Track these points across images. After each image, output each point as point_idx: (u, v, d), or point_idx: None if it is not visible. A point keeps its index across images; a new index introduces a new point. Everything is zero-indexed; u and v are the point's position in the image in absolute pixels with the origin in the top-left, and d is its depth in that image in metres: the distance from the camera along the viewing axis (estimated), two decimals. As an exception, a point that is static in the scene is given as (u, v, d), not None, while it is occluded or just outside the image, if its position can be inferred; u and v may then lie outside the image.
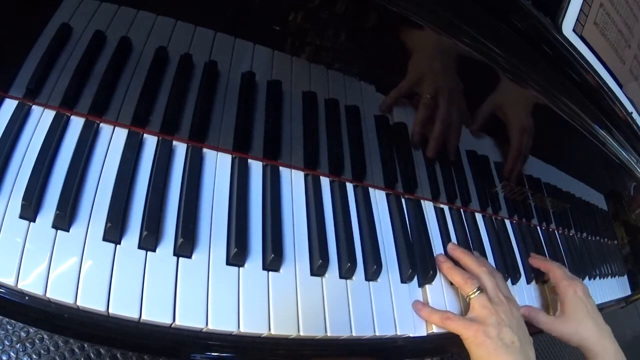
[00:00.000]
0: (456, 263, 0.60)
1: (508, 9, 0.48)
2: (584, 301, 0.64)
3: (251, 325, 0.42)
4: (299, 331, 0.44)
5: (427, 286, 0.56)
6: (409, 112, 0.56)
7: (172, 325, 0.39)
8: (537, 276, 0.73)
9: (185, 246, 0.42)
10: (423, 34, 0.46)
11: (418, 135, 0.57)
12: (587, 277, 0.88)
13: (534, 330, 0.65)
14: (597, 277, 0.93)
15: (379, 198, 0.59)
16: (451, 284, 0.59)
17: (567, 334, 0.62)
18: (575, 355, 1.17)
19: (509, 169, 0.67)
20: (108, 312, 0.37)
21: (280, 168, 0.53)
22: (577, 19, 0.53)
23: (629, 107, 0.66)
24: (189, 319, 0.39)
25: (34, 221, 0.38)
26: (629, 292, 1.07)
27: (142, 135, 0.47)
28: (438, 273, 0.58)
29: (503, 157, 0.66)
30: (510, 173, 0.68)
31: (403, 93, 0.52)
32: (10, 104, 0.43)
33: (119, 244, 0.40)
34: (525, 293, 0.69)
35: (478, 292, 0.54)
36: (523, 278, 0.70)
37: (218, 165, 0.49)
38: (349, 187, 0.57)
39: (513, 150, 0.64)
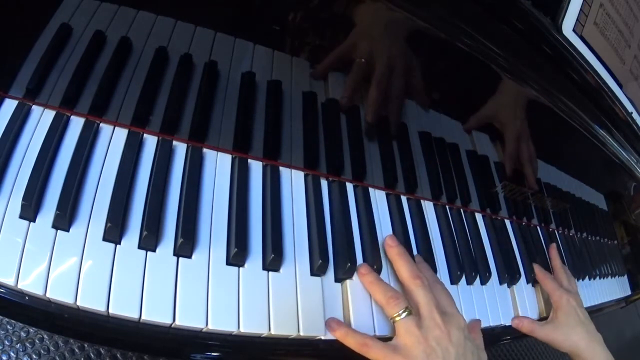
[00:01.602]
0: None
1: (508, 9, 0.48)
2: (576, 309, 0.65)
3: (251, 325, 0.42)
4: (299, 331, 0.44)
5: (427, 286, 0.56)
6: (409, 112, 0.56)
7: (172, 325, 0.39)
8: (537, 276, 0.73)
9: (185, 246, 0.42)
10: (421, 32, 0.46)
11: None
12: (587, 277, 0.88)
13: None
14: (597, 277, 0.93)
15: (379, 198, 0.59)
16: (451, 282, 0.59)
17: (559, 340, 0.63)
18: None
19: (514, 173, 0.67)
20: (108, 312, 0.37)
21: (280, 168, 0.53)
22: (577, 19, 0.53)
23: (629, 107, 0.66)
24: (189, 319, 0.39)
25: (34, 221, 0.38)
26: (629, 292, 1.07)
27: (142, 135, 0.47)
28: (438, 274, 0.58)
29: (505, 160, 0.66)
30: (518, 177, 0.68)
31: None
32: (10, 104, 0.42)
33: (119, 244, 0.40)
34: (525, 293, 0.69)
35: (405, 314, 0.45)
36: (523, 278, 0.70)
37: (218, 165, 0.49)
38: (349, 187, 0.57)
39: (509, 154, 0.64)
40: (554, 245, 0.77)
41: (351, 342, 0.44)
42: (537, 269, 0.72)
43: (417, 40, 0.47)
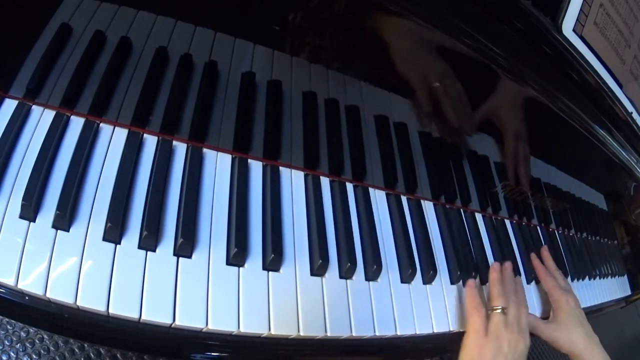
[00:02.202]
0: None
1: (508, 9, 0.48)
2: (575, 311, 0.66)
3: (251, 325, 0.42)
4: (299, 331, 0.44)
5: (427, 286, 0.56)
6: (409, 112, 0.56)
7: (172, 325, 0.39)
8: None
9: (185, 246, 0.42)
10: (422, 33, 0.46)
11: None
12: (587, 277, 0.88)
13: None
14: (597, 277, 0.93)
15: (379, 198, 0.59)
16: (451, 283, 0.59)
17: (559, 339, 0.64)
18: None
19: (511, 173, 0.67)
20: (108, 312, 0.37)
21: (280, 168, 0.53)
22: (577, 19, 0.53)
23: (629, 107, 0.66)
24: (189, 319, 0.39)
25: (34, 221, 0.38)
26: (629, 292, 1.07)
27: (142, 135, 0.47)
28: (438, 274, 0.58)
29: (504, 159, 0.66)
30: (514, 176, 0.68)
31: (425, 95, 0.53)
32: (10, 104, 0.42)
33: (119, 244, 0.40)
34: (525, 293, 0.69)
35: (500, 310, 0.56)
36: (523, 278, 0.70)
37: (218, 165, 0.49)
38: (349, 187, 0.57)
39: (509, 154, 0.64)
40: (545, 247, 0.77)
41: (468, 300, 0.57)
42: (537, 265, 0.72)
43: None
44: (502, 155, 0.65)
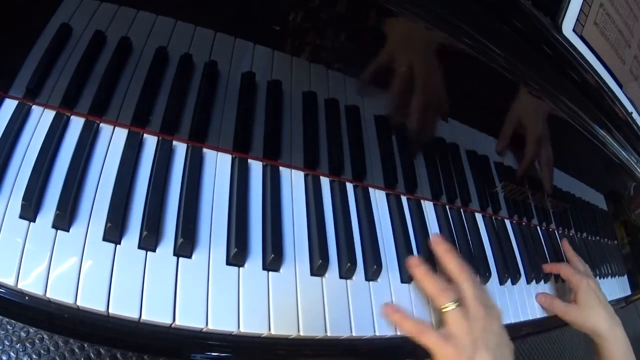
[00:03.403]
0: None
1: (508, 9, 0.48)
2: (596, 292, 0.67)
3: (251, 325, 0.42)
4: (299, 331, 0.44)
5: (427, 286, 0.56)
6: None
7: (172, 325, 0.39)
8: (537, 276, 0.73)
9: (185, 246, 0.42)
10: (422, 32, 0.46)
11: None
12: (587, 277, 0.88)
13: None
14: (597, 277, 0.93)
15: (379, 198, 0.59)
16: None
17: (581, 319, 0.64)
18: (577, 355, 1.17)
19: (522, 175, 0.68)
20: (108, 312, 0.37)
21: (280, 168, 0.53)
22: (577, 19, 0.53)
23: (629, 107, 0.66)
24: (189, 319, 0.39)
25: (34, 221, 0.38)
26: (629, 292, 1.07)
27: (142, 135, 0.47)
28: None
29: (501, 155, 0.66)
30: (514, 176, 0.69)
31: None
32: (10, 104, 0.43)
33: (119, 244, 0.40)
34: (525, 293, 0.69)
35: (454, 305, 0.48)
36: (523, 278, 0.70)
37: (218, 165, 0.49)
38: (349, 187, 0.57)
39: (501, 145, 0.65)
40: (565, 239, 0.80)
41: (408, 327, 0.48)
42: (550, 266, 0.74)
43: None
44: (500, 152, 0.65)
